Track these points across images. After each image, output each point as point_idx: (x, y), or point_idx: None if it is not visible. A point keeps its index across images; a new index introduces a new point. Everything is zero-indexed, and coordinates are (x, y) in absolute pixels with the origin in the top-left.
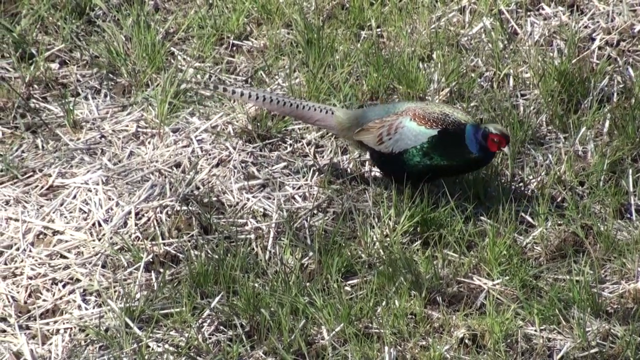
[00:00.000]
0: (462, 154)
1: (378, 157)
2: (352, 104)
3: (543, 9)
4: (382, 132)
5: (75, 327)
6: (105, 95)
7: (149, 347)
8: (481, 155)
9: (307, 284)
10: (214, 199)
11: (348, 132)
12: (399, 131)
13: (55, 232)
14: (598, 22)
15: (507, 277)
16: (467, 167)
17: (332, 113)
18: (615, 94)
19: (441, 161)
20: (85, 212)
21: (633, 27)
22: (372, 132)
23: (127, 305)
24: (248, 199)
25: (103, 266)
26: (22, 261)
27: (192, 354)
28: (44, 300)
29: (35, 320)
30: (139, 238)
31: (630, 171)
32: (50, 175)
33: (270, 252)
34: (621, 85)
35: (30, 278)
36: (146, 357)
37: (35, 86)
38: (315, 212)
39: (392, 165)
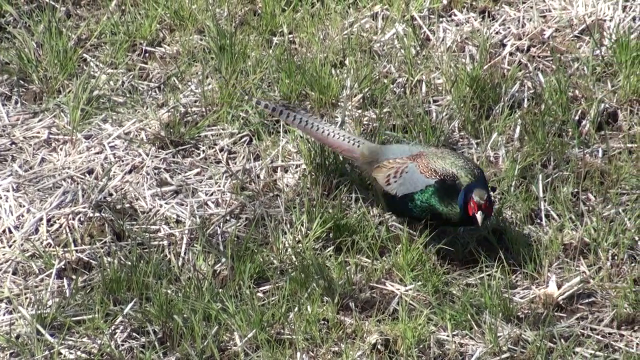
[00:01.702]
0: (451, 207)
1: (385, 197)
2: (378, 139)
3: (455, 14)
4: (390, 174)
5: None
6: (16, 102)
7: (60, 354)
8: (461, 213)
9: (220, 290)
10: (127, 205)
11: (368, 167)
12: (403, 176)
13: None
14: (509, 28)
15: (420, 283)
16: (459, 221)
17: (359, 146)
18: (525, 100)
19: (437, 207)
20: None
21: (543, 32)
22: (383, 171)
23: (39, 312)
24: (161, 206)
25: (14, 273)
26: None
27: None
28: None
29: None
30: (51, 245)
31: (540, 177)
32: None
33: (183, 258)
34: (531, 91)
35: None
36: None
37: None
38: (227, 218)
39: (396, 207)
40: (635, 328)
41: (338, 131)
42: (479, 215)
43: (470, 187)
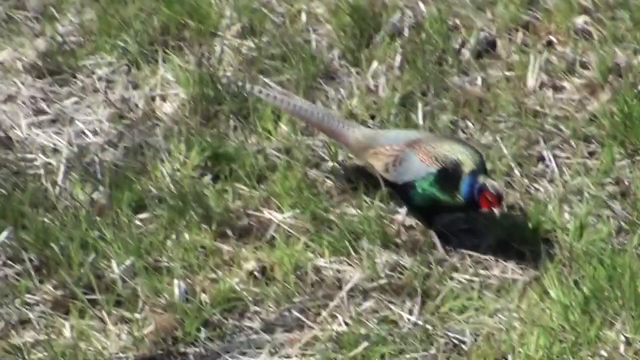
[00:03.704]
0: (454, 196)
1: (385, 183)
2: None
3: None
4: (388, 162)
5: None
6: None
7: None
8: (471, 203)
9: (98, 218)
10: (2, 134)
11: (363, 153)
12: (403, 164)
13: None
14: None
15: (298, 210)
16: (461, 209)
17: (348, 129)
18: (406, 29)
19: (438, 195)
20: None
21: None
22: (381, 159)
23: None
24: (37, 135)
25: None
26: None
27: None
28: None
29: None
30: None
31: (420, 105)
32: None
33: (60, 187)
34: (412, 20)
35: None
36: None
37: None
38: (105, 147)
39: (398, 193)
40: (509, 254)
41: (332, 116)
42: (496, 211)
43: (473, 174)
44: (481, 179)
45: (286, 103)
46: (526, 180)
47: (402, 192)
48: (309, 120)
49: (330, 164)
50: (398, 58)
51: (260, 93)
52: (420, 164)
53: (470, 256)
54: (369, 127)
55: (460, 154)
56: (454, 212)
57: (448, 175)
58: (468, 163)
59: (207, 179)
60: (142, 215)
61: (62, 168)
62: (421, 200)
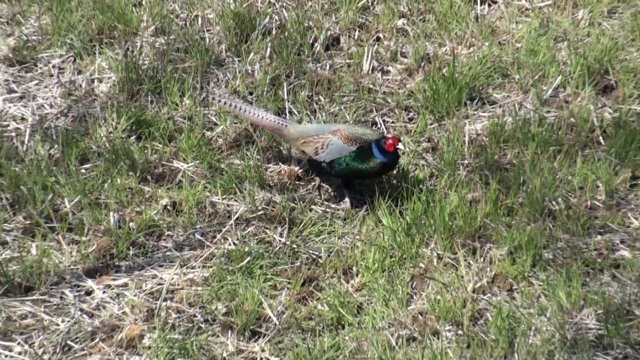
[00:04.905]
0: (373, 161)
1: (314, 163)
2: (302, 120)
3: None
4: (317, 146)
5: None
6: None
7: None
8: (387, 159)
9: (54, 168)
10: None
11: (295, 142)
12: (330, 147)
13: None
14: None
15: (198, 161)
16: (380, 171)
17: (286, 126)
18: (274, 29)
19: (359, 166)
20: None
21: None
22: (311, 145)
23: None
24: (10, 108)
25: None
26: None
27: None
28: None
29: None
30: None
31: (285, 84)
32: None
33: (27, 145)
34: (278, 23)
35: None
36: None
37: None
38: (58, 116)
39: (323, 169)
40: (353, 193)
41: (269, 116)
42: (400, 145)
43: (377, 140)
44: (384, 137)
45: (238, 109)
46: None
47: (328, 169)
48: (255, 121)
49: (220, 127)
50: (268, 50)
51: (220, 102)
52: (343, 145)
53: (325, 191)
54: (298, 123)
55: (366, 135)
56: (376, 178)
57: (363, 149)
58: (371, 136)
59: (132, 139)
60: (86, 166)
61: (28, 131)
62: (345, 171)
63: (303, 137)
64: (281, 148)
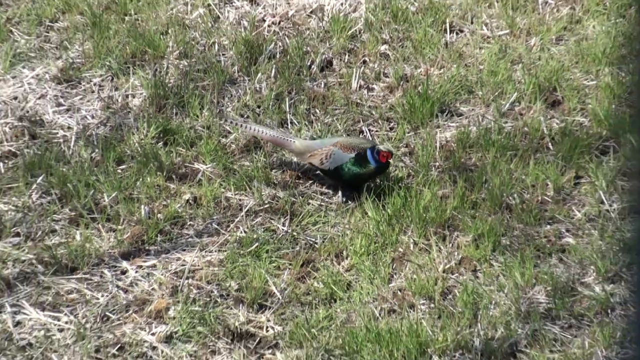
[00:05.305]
0: (367, 167)
1: (322, 172)
2: (306, 136)
3: (234, 2)
4: (322, 158)
5: None
6: None
7: None
8: (378, 165)
9: (95, 168)
10: (38, 118)
11: (302, 155)
12: (332, 156)
13: None
14: (268, 10)
15: (215, 163)
16: (374, 174)
17: (293, 142)
18: (278, 53)
19: (358, 171)
20: None
21: (288, 13)
22: (317, 157)
23: None
24: (59, 118)
25: None
26: None
27: (25, 211)
28: None
29: None
30: None
31: (287, 99)
32: None
33: (72, 149)
34: (281, 48)
35: None
36: None
37: None
38: (99, 125)
39: (332, 177)
40: (344, 190)
41: (279, 134)
42: (390, 160)
43: (371, 148)
44: (375, 148)
45: (249, 129)
46: None
47: (334, 175)
48: (266, 138)
49: (233, 135)
50: (273, 71)
51: (232, 124)
52: (344, 154)
53: (323, 193)
54: (305, 139)
55: (363, 144)
56: (372, 180)
57: (360, 156)
58: (366, 145)
59: (160, 144)
60: (122, 167)
61: (73, 138)
62: (348, 176)
63: (309, 150)
64: (283, 153)
